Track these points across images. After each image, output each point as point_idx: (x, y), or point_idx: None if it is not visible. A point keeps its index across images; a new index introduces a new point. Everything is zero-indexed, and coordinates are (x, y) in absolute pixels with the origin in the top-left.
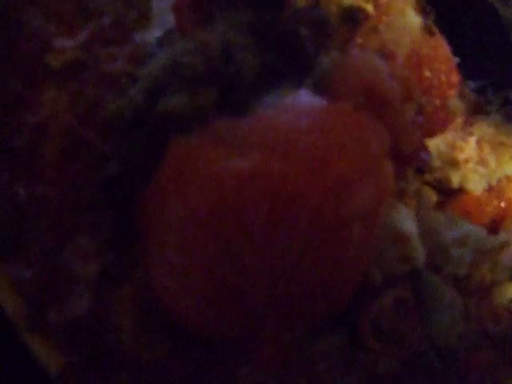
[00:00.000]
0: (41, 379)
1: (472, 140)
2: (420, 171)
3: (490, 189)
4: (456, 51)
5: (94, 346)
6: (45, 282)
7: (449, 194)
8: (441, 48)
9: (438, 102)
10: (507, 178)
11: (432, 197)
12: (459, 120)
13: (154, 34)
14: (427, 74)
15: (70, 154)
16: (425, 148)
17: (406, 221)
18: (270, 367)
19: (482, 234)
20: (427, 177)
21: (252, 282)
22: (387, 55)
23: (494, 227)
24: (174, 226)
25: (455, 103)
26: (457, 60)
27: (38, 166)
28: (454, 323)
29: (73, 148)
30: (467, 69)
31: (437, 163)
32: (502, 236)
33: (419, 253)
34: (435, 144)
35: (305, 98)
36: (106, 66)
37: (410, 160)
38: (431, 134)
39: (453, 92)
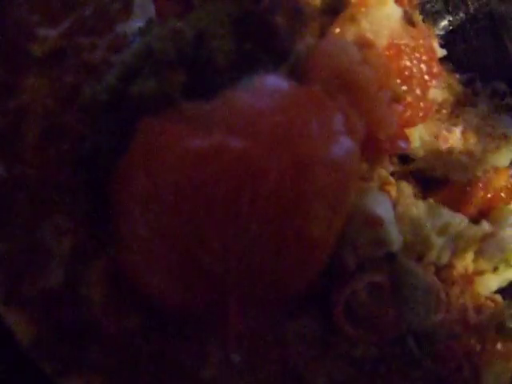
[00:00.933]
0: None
1: (457, 130)
2: (404, 161)
3: (476, 180)
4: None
5: (65, 318)
6: (20, 257)
7: (433, 183)
8: (422, 38)
9: (418, 91)
10: (494, 169)
11: (415, 186)
12: (445, 111)
13: (135, 24)
14: (407, 63)
15: (49, 136)
16: (403, 136)
17: (380, 205)
18: (235, 342)
19: (463, 223)
20: (411, 166)
21: (215, 256)
22: (364, 44)
23: (480, 218)
24: (141, 200)
25: (437, 93)
26: (443, 52)
27: (18, 147)
28: (428, 309)
29: (52, 131)
30: (455, 61)
31: (420, 153)
32: (484, 225)
33: (393, 237)
34: (419, 134)
35: (271, 81)
36: (87, 54)
37: (387, 147)
38: (412, 123)
39: (434, 82)
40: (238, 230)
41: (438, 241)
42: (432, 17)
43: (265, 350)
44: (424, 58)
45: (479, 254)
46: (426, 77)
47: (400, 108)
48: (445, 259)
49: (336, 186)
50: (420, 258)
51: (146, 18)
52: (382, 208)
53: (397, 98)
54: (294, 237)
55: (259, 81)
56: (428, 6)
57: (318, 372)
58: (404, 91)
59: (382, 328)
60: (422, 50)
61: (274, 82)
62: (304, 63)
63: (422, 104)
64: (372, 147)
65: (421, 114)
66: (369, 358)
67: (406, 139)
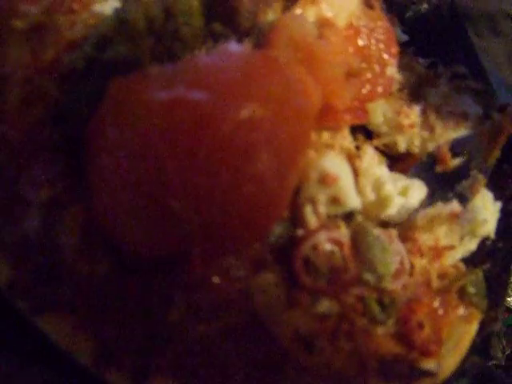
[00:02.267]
0: None
1: (418, 108)
2: (369, 137)
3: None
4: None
5: (40, 261)
6: (0, 207)
7: (397, 158)
8: (380, 20)
9: (377, 68)
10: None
11: (381, 160)
12: (406, 91)
13: (112, 5)
14: (365, 42)
15: (29, 100)
16: (362, 108)
17: (336, 165)
18: (199, 288)
19: (423, 187)
20: (375, 142)
21: (177, 200)
22: (323, 23)
23: None
24: (110, 150)
25: (399, 74)
26: (406, 38)
27: (0, 110)
28: (387, 271)
29: (32, 95)
30: (419, 48)
31: (384, 129)
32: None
33: (349, 195)
34: (382, 110)
35: (231, 46)
36: (66, 30)
37: (347, 118)
38: (371, 97)
39: (392, 61)
40: (197, 173)
41: (399, 200)
42: (398, 7)
43: (229, 301)
44: (382, 37)
45: (451, 229)
46: (385, 55)
47: (358, 82)
48: (404, 217)
49: (287, 138)
50: (384, 224)
51: (123, 0)
52: (337, 167)
53: (354, 73)
54: (247, 181)
55: (220, 47)
56: None
57: (282, 324)
58: (363, 68)
59: (342, 281)
60: (380, 30)
61: (234, 47)
62: (265, 36)
63: (381, 80)
64: (332, 117)
65: (380, 90)
66: (332, 315)
67: (365, 112)
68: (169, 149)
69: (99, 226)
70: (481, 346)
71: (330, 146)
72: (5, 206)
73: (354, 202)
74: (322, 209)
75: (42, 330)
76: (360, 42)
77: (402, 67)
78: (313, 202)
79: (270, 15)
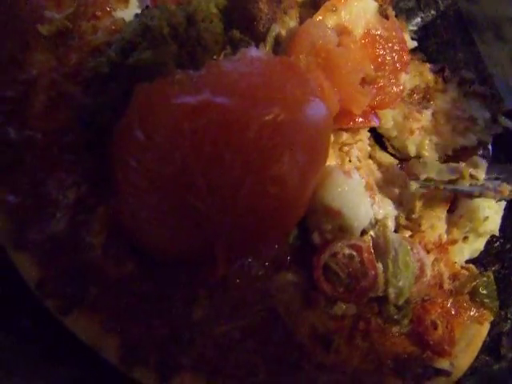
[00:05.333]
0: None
1: (427, 112)
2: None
3: (447, 158)
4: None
5: (68, 261)
6: (29, 208)
7: (406, 161)
8: (394, 30)
9: (391, 76)
10: (464, 148)
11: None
12: (416, 96)
13: (132, 12)
14: (381, 51)
15: (55, 104)
16: (375, 113)
17: (340, 195)
18: (222, 288)
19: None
20: (387, 146)
21: (202, 200)
22: (343, 31)
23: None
24: (137, 153)
25: (409, 80)
26: (415, 44)
27: (27, 114)
28: (411, 274)
29: (57, 100)
30: (427, 54)
31: (394, 133)
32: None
33: (354, 225)
34: (393, 115)
35: (251, 52)
36: (89, 36)
37: (361, 121)
38: (384, 104)
39: (404, 69)
40: (222, 174)
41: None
42: (405, 13)
43: (250, 300)
44: (396, 47)
45: (451, 224)
46: (398, 64)
47: (373, 89)
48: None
49: (307, 140)
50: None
51: (143, 7)
52: (342, 198)
53: (369, 80)
54: (270, 182)
55: (241, 52)
56: (402, 3)
57: (300, 323)
58: (377, 76)
59: (360, 289)
60: (394, 40)
61: (254, 52)
62: (286, 44)
63: (393, 88)
64: (346, 120)
65: (392, 98)
66: (348, 315)
67: (377, 116)
68: (196, 151)
69: (125, 226)
70: (490, 345)
71: (349, 145)
72: (33, 207)
73: (359, 229)
74: (329, 236)
75: (69, 328)
76: (375, 51)
77: (411, 73)
78: (319, 229)
79: (289, 22)
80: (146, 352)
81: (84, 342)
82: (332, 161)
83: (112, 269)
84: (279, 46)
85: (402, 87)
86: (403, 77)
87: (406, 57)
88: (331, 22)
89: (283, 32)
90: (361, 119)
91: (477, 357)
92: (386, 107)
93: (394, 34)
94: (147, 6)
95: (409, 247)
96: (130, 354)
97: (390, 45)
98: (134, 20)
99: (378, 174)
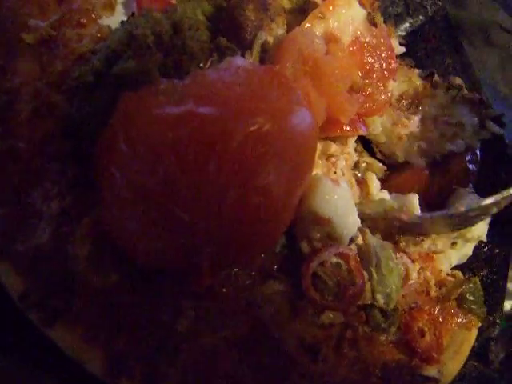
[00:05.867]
0: None
1: (416, 118)
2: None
3: (435, 163)
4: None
5: (52, 272)
6: (13, 219)
7: (395, 168)
8: (382, 37)
9: (378, 84)
10: (453, 153)
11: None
12: (405, 102)
13: (118, 19)
14: (369, 59)
15: (39, 114)
16: (363, 121)
17: (329, 203)
18: (208, 298)
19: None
20: (376, 152)
21: (187, 211)
22: (331, 39)
23: (439, 200)
24: (121, 163)
25: (397, 86)
26: (403, 49)
27: (11, 123)
28: (397, 281)
29: (42, 109)
30: (416, 59)
31: (382, 139)
32: None
33: (343, 233)
34: (381, 122)
35: (236, 61)
36: (74, 44)
37: (349, 130)
38: (372, 112)
39: (392, 76)
40: (206, 186)
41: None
42: (394, 19)
43: (237, 310)
44: (384, 55)
45: (438, 234)
46: (386, 72)
47: (360, 97)
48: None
49: (293, 150)
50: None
51: (129, 14)
52: (330, 206)
53: (357, 88)
54: (255, 193)
55: (226, 61)
56: (390, 9)
57: (287, 333)
58: (365, 84)
59: (349, 297)
60: (382, 47)
61: (239, 61)
62: (273, 51)
63: (381, 96)
64: (334, 129)
65: (380, 105)
66: (336, 324)
67: (365, 125)
68: (179, 162)
69: (110, 236)
70: (479, 350)
71: (337, 157)
72: (17, 218)
73: (348, 237)
74: (318, 244)
75: (53, 340)
76: (363, 58)
77: (399, 78)
78: (308, 238)
79: (276, 29)
80: (131, 364)
81: (67, 355)
82: (318, 170)
83: (96, 280)
84: (266, 54)
85: (389, 94)
86: (391, 84)
87: (394, 64)
88: (319, 29)
89: (270, 39)
90: (348, 128)
91: (465, 362)
92: (374, 114)
93: (382, 41)
94: (133, 14)
95: (391, 250)
96: (115, 365)
97: (378, 52)
98: (119, 28)
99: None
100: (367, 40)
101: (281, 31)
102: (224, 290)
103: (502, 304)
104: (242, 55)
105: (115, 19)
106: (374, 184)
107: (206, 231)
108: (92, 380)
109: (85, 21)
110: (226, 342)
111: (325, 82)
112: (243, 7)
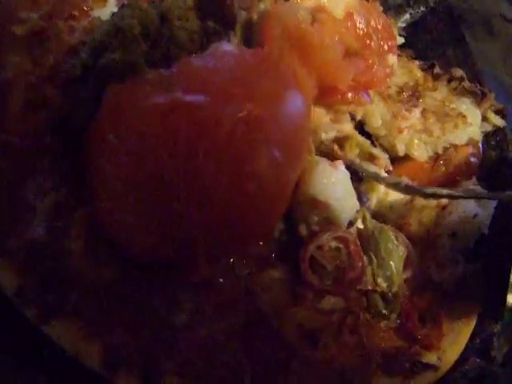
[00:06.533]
0: None
1: (416, 110)
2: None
3: (437, 156)
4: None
5: (47, 267)
6: (6, 214)
7: (396, 161)
8: (376, 11)
9: (378, 54)
10: (454, 146)
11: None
12: (405, 94)
13: (110, 11)
14: (365, 30)
15: (31, 107)
16: (365, 89)
17: (327, 187)
18: (205, 289)
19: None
20: (376, 145)
21: (178, 201)
22: (319, 9)
23: None
24: (110, 155)
25: (395, 59)
26: (402, 40)
27: (2, 117)
28: (397, 266)
29: (33, 103)
30: (417, 51)
31: (383, 132)
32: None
33: (341, 216)
34: (381, 114)
35: (223, 47)
36: (66, 36)
37: (350, 97)
38: (372, 84)
39: (392, 51)
40: (197, 174)
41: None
42: (395, 10)
43: (234, 300)
44: (379, 27)
45: (440, 219)
46: (385, 46)
47: (361, 64)
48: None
49: (285, 135)
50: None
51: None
52: (328, 189)
53: (353, 51)
54: (247, 179)
55: (212, 47)
56: (391, 0)
57: (286, 321)
58: (363, 49)
59: (348, 281)
60: (377, 21)
61: (225, 47)
62: (257, 28)
63: (381, 68)
64: (335, 93)
65: (380, 78)
66: (336, 310)
67: (369, 94)
68: (168, 152)
69: (104, 229)
70: (481, 347)
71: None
72: (11, 213)
73: (346, 221)
74: (316, 228)
75: (50, 336)
76: (359, 31)
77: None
78: (306, 222)
79: (261, 5)
80: (128, 357)
81: (65, 349)
82: None
83: (92, 274)
84: (251, 32)
85: (390, 69)
86: (391, 58)
87: (393, 41)
88: (309, 2)
89: (255, 16)
90: (350, 94)
91: (467, 359)
92: (375, 87)
93: (375, 14)
94: (123, 5)
95: (390, 233)
96: (113, 359)
97: (373, 25)
98: (107, 20)
99: None
100: (361, 14)
101: (263, 6)
102: (221, 279)
103: (505, 299)
104: (230, 37)
105: (107, 11)
106: None
107: (200, 220)
108: (88, 376)
109: (77, 13)
110: (224, 332)
111: (313, 52)
112: None
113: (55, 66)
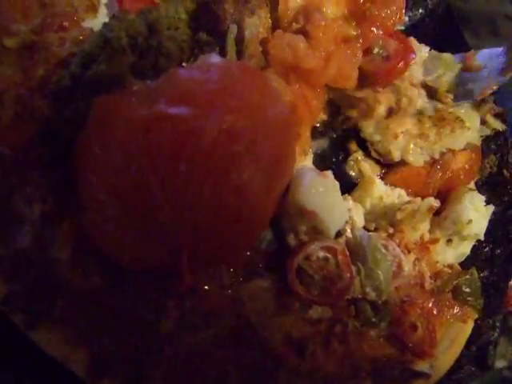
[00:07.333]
0: None
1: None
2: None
3: (433, 161)
4: None
5: (34, 275)
6: None
7: (391, 166)
8: None
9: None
10: (452, 151)
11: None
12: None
13: (101, 21)
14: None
15: (22, 119)
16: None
17: (315, 196)
18: (191, 297)
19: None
20: (371, 151)
21: (164, 213)
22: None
23: (440, 198)
24: (96, 166)
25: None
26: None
27: None
28: (387, 275)
29: (24, 114)
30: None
31: (377, 137)
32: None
33: (329, 226)
34: (375, 119)
35: (209, 58)
36: (56, 48)
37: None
38: (387, 28)
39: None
40: (179, 186)
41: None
42: None
43: (221, 308)
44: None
45: (435, 224)
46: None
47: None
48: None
49: (269, 146)
50: (376, 228)
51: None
52: (316, 199)
53: (349, 37)
54: (230, 192)
55: (200, 59)
56: None
57: (273, 329)
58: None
59: (336, 291)
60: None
61: (213, 59)
62: (252, 48)
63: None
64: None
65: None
66: (324, 319)
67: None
68: (151, 164)
69: (91, 239)
70: (477, 354)
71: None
72: None
73: (334, 230)
74: (304, 237)
75: (36, 342)
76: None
77: None
78: (294, 231)
79: (253, 19)
80: (114, 364)
81: (51, 356)
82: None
83: (79, 281)
84: (243, 48)
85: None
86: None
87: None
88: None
89: (247, 32)
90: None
91: (463, 367)
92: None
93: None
94: (113, 16)
95: (378, 243)
96: (99, 366)
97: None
98: (96, 31)
99: None
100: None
101: (257, 22)
102: (207, 288)
103: (502, 306)
104: (222, 49)
105: (98, 22)
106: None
107: (183, 232)
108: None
109: (67, 24)
110: (212, 340)
111: (314, 76)
112: (221, 0)
113: (45, 77)
